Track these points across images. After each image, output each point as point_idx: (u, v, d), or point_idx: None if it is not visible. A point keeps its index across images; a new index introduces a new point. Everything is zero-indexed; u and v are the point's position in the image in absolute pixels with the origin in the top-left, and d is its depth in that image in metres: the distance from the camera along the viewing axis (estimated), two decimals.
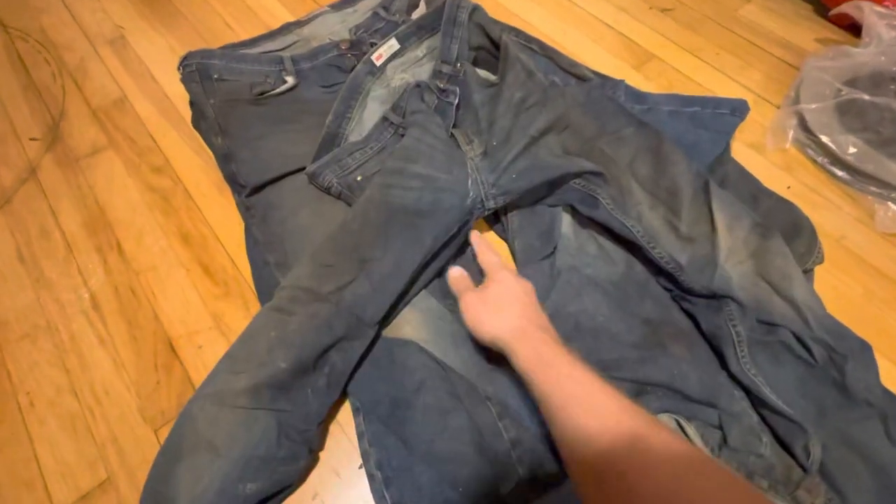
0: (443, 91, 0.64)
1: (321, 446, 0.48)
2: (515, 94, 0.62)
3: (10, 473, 0.47)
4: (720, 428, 0.45)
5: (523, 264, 0.56)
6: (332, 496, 0.46)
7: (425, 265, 0.53)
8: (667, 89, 0.73)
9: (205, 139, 0.65)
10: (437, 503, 0.43)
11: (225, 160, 0.62)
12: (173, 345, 0.53)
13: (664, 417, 0.44)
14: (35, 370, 0.52)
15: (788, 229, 0.55)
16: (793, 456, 0.44)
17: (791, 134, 0.67)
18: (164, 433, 0.48)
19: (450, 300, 0.53)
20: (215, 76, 0.65)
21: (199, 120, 0.64)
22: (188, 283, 0.57)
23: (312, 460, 0.47)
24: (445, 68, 0.66)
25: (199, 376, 0.52)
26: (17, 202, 0.63)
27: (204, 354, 0.53)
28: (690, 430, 0.43)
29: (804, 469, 0.43)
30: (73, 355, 0.53)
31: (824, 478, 0.43)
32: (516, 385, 0.49)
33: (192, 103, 0.65)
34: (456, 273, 0.53)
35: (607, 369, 0.46)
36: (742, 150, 0.67)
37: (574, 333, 0.50)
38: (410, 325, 0.51)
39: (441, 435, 0.45)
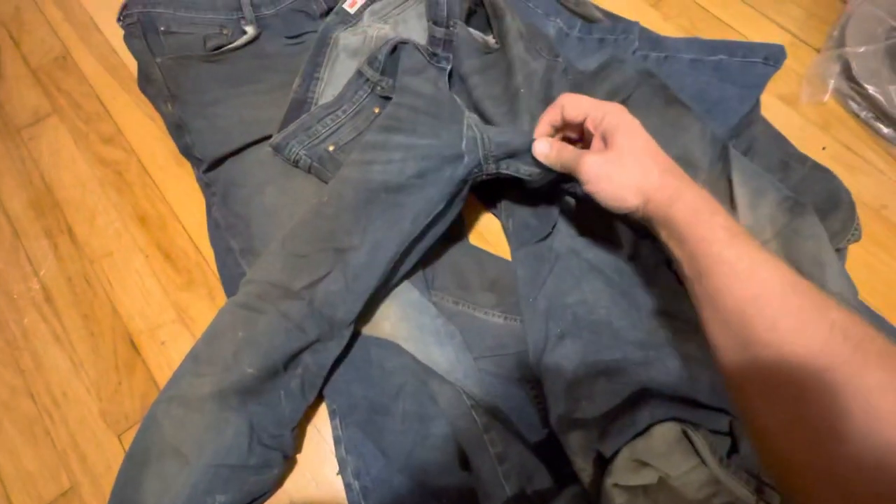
0: (433, 56, 0.54)
1: (298, 450, 0.45)
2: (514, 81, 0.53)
3: None
4: (730, 434, 0.41)
5: (517, 247, 0.49)
6: None
7: (407, 251, 0.46)
8: (689, 31, 0.63)
9: (154, 105, 0.57)
10: None
11: (177, 130, 0.54)
12: (134, 341, 0.49)
13: (669, 427, 0.39)
14: None
15: (823, 202, 0.48)
16: None
17: (832, 83, 0.58)
18: (129, 438, 0.45)
19: (434, 291, 0.48)
20: (162, 28, 0.56)
21: (145, 83, 0.56)
22: (147, 271, 0.52)
23: (287, 467, 0.44)
24: (439, 32, 0.56)
25: (163, 376, 0.48)
26: None
27: (167, 351, 0.49)
28: (698, 440, 0.39)
29: None
30: (27, 354, 0.49)
31: None
32: (506, 385, 0.44)
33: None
34: (544, 146, 0.42)
35: (607, 372, 0.41)
36: (772, 104, 0.58)
37: (572, 328, 0.44)
38: (389, 321, 0.46)
39: (422, 444, 0.41)
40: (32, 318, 0.50)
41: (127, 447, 0.42)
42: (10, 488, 0.44)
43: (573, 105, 0.40)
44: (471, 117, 0.48)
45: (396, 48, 0.54)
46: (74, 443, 0.45)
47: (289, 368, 0.43)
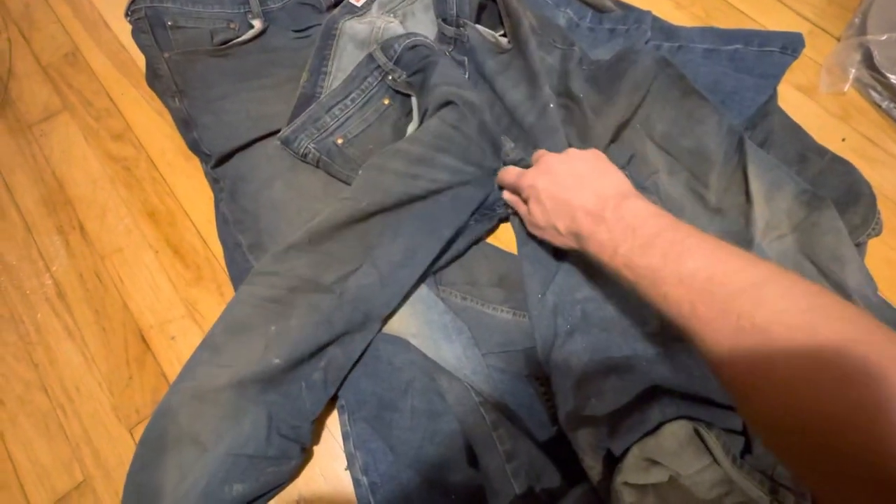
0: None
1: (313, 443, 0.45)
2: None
3: None
4: (743, 433, 0.40)
5: (524, 243, 0.49)
6: (316, 499, 0.43)
7: (439, 256, 0.47)
8: (703, 20, 0.61)
9: (162, 101, 0.57)
10: None
11: (185, 126, 0.54)
12: (144, 336, 0.49)
13: (680, 425, 0.39)
14: (2, 365, 0.49)
15: (843, 196, 0.47)
16: None
17: (852, 73, 0.56)
18: (140, 432, 0.44)
19: (442, 286, 0.48)
20: (169, 23, 0.56)
21: (153, 79, 0.56)
22: (157, 267, 0.52)
23: (304, 459, 0.44)
24: (448, 31, 0.55)
25: (173, 371, 0.48)
26: None
27: (177, 346, 0.49)
28: (711, 439, 0.38)
29: None
30: (41, 348, 0.49)
31: None
32: (514, 382, 0.44)
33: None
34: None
35: (617, 369, 0.41)
36: (789, 94, 0.56)
37: (581, 325, 0.44)
38: (398, 316, 0.46)
39: (431, 440, 0.41)
40: (45, 314, 0.51)
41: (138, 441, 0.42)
42: (24, 481, 0.45)
43: (503, 182, 0.48)
44: (507, 152, 0.50)
45: (416, 47, 0.52)
46: (87, 437, 0.46)
47: (313, 360, 0.43)
